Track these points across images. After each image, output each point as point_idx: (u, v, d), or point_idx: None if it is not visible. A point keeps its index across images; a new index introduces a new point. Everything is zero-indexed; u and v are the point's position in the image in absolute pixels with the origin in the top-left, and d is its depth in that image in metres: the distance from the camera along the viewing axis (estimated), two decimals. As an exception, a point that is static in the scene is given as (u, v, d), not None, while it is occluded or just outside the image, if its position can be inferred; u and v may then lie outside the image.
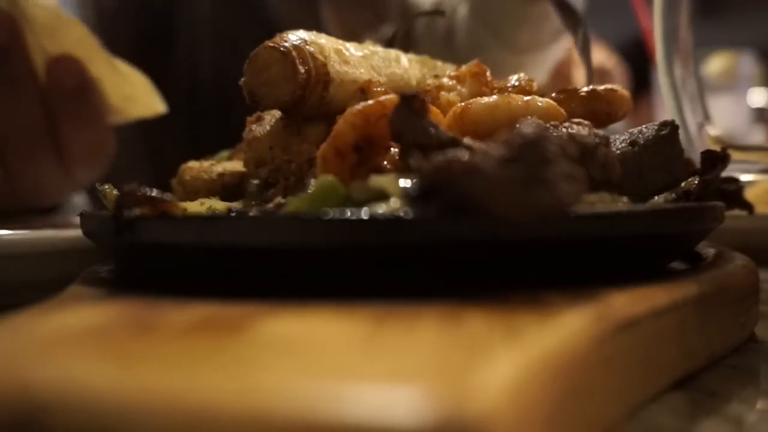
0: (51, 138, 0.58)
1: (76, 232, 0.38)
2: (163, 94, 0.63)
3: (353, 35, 0.49)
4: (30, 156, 0.59)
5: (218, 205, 0.36)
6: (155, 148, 0.93)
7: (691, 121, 0.61)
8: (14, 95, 0.57)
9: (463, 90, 0.40)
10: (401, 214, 0.27)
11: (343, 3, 0.93)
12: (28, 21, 0.56)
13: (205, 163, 0.44)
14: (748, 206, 0.36)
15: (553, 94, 0.38)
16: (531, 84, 0.40)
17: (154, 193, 0.32)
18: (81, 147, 0.59)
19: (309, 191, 0.31)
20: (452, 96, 0.39)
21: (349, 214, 0.27)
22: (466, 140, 0.29)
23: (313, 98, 0.37)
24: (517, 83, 0.40)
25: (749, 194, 0.50)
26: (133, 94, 0.61)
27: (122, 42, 0.82)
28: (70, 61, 0.57)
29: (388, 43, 0.46)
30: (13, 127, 0.57)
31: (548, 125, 0.33)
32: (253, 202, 0.37)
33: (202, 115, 0.89)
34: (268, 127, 0.39)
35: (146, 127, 0.69)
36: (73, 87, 0.57)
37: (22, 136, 0.58)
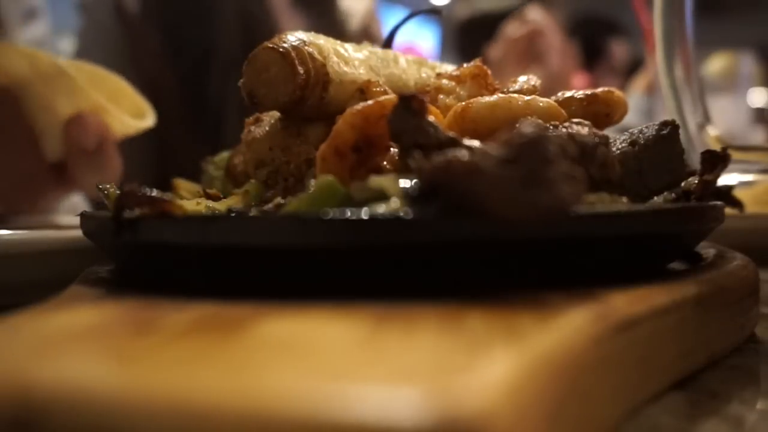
0: (55, 175, 0.59)
1: (76, 232, 0.38)
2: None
3: None
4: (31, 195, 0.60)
5: (218, 205, 0.36)
6: (161, 147, 0.93)
7: (691, 121, 0.61)
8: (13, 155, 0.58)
9: (462, 92, 0.40)
10: (401, 214, 0.27)
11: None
12: (39, 73, 0.57)
13: None
14: (738, 204, 0.36)
15: (553, 98, 0.38)
16: (535, 88, 0.40)
17: (154, 193, 0.32)
18: (90, 180, 0.60)
19: (309, 191, 0.31)
20: (450, 100, 0.39)
21: (349, 214, 0.27)
22: (466, 140, 0.29)
23: (313, 99, 0.37)
24: (518, 87, 0.40)
25: (749, 194, 0.50)
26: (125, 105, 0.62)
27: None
28: (88, 121, 0.58)
29: (385, 44, 0.46)
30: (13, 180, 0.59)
31: (548, 125, 0.33)
32: (253, 203, 0.37)
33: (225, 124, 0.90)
34: (267, 128, 0.39)
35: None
36: (93, 144, 0.58)
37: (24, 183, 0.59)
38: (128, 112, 0.62)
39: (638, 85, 2.10)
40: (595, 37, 2.62)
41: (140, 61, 0.92)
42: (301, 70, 0.36)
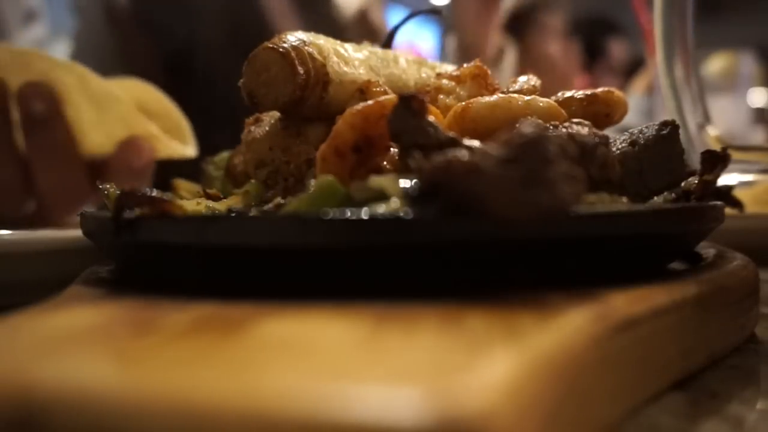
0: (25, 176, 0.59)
1: (76, 232, 0.38)
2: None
3: None
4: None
5: (218, 205, 0.36)
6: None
7: (691, 121, 0.61)
8: (61, 163, 0.58)
9: (462, 92, 0.40)
10: (401, 214, 0.27)
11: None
12: (86, 93, 0.57)
13: None
14: (738, 204, 0.36)
15: (553, 98, 0.38)
16: (535, 88, 0.40)
17: (154, 193, 0.32)
18: (52, 183, 0.59)
19: (309, 191, 0.31)
20: (450, 100, 0.39)
21: (349, 214, 0.27)
22: (466, 140, 0.29)
23: (313, 99, 0.37)
24: (518, 87, 0.40)
25: (749, 194, 0.50)
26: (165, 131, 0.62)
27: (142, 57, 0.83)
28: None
29: (385, 44, 0.46)
30: None
31: (548, 125, 0.33)
32: (253, 203, 0.37)
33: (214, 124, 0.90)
34: (267, 128, 0.39)
35: None
36: (42, 112, 0.57)
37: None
38: (168, 130, 0.63)
39: (638, 86, 2.10)
40: (595, 37, 2.61)
41: (132, 63, 0.92)
42: (301, 70, 0.36)
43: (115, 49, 0.96)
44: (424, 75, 0.43)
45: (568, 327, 0.23)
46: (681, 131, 0.38)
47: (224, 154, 0.47)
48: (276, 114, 0.40)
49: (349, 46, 0.40)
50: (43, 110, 0.56)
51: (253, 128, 0.40)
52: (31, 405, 0.17)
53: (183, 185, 0.44)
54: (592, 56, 2.52)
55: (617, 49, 2.76)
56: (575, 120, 0.34)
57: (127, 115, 0.58)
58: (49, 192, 0.59)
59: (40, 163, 0.58)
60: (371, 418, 0.15)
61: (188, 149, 0.64)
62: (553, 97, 0.38)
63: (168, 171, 0.45)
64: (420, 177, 0.27)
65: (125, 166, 0.59)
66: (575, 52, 1.89)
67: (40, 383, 0.17)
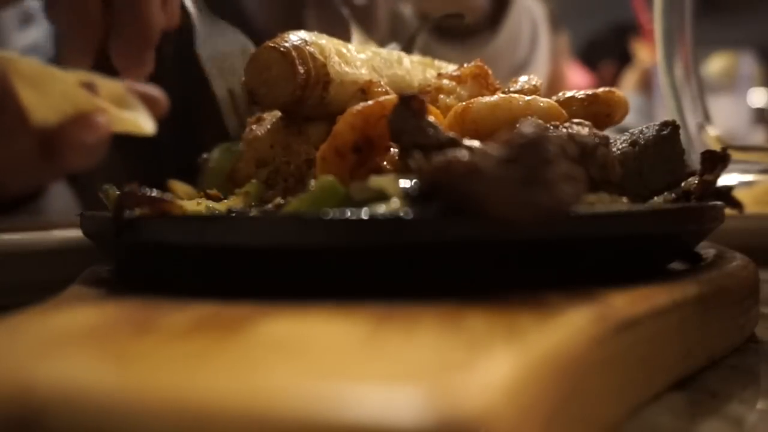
0: None
1: (76, 232, 0.38)
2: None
3: None
4: None
5: (218, 205, 0.36)
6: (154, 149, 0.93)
7: (691, 121, 0.61)
8: (8, 144, 0.60)
9: (463, 92, 0.40)
10: (401, 214, 0.27)
11: (326, 13, 0.93)
12: (19, 75, 0.59)
13: None
14: (738, 204, 0.36)
15: (553, 98, 0.38)
16: (535, 88, 0.40)
17: (154, 193, 0.32)
18: (78, 166, 0.62)
19: (309, 192, 0.31)
20: (450, 100, 0.39)
21: (349, 214, 0.27)
22: (466, 140, 0.29)
23: (313, 98, 0.37)
24: (519, 87, 0.40)
25: (749, 194, 0.50)
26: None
27: None
28: (94, 122, 0.60)
29: (404, 49, 0.46)
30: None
31: (548, 125, 0.33)
32: (253, 203, 0.37)
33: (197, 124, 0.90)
34: (268, 126, 0.39)
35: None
36: (95, 143, 0.60)
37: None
38: (119, 105, 0.64)
39: (629, 82, 2.09)
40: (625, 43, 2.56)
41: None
42: (301, 69, 0.36)
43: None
44: (428, 76, 0.43)
45: (568, 327, 0.23)
46: (681, 131, 0.38)
47: (225, 145, 0.47)
48: (278, 113, 0.40)
49: (352, 46, 0.40)
50: None
51: (254, 127, 0.40)
52: (31, 405, 0.17)
53: (178, 187, 0.44)
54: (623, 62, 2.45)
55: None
56: (576, 120, 0.34)
57: (69, 90, 0.60)
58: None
59: None
60: (371, 417, 0.15)
61: (144, 120, 0.65)
62: (554, 97, 0.38)
63: (164, 170, 0.45)
64: (420, 177, 0.27)
65: (78, 142, 0.61)
66: (566, 48, 1.88)
67: (40, 383, 0.17)
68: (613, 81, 2.26)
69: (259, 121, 0.41)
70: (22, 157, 0.61)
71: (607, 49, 2.82)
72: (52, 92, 0.60)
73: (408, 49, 0.47)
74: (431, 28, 0.81)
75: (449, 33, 0.91)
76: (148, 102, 0.67)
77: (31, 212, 0.71)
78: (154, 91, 0.68)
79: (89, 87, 0.62)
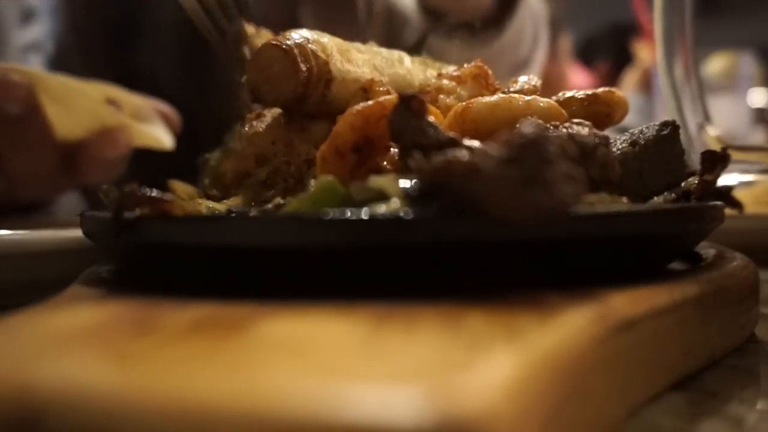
0: None
1: (76, 232, 0.38)
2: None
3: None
4: None
5: (218, 205, 0.36)
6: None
7: (691, 121, 0.61)
8: (32, 157, 0.61)
9: (463, 92, 0.40)
10: (401, 214, 0.27)
11: (322, 7, 0.92)
12: (46, 91, 0.60)
13: None
14: (738, 205, 0.36)
15: (553, 98, 0.38)
16: (535, 88, 0.40)
17: (154, 193, 0.32)
18: (19, 169, 0.62)
19: (309, 192, 0.31)
20: (450, 100, 0.39)
21: (349, 214, 0.27)
22: (466, 140, 0.29)
23: (315, 96, 0.37)
24: (519, 87, 0.40)
25: (749, 194, 0.50)
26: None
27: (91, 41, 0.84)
28: (117, 138, 0.62)
29: (414, 48, 0.46)
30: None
31: (548, 125, 0.33)
32: (253, 203, 0.37)
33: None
34: (269, 121, 0.39)
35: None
36: (117, 158, 0.62)
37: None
38: (140, 120, 0.66)
39: (629, 82, 2.09)
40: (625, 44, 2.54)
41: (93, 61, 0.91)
42: (303, 67, 0.36)
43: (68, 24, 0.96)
44: (429, 75, 0.43)
45: (568, 327, 0.23)
46: (681, 131, 0.38)
47: (218, 153, 0.47)
48: (278, 110, 0.40)
49: (353, 45, 0.40)
50: (19, 109, 0.58)
51: (255, 123, 0.40)
52: (31, 405, 0.17)
53: (179, 186, 0.44)
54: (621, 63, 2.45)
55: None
56: (576, 120, 0.34)
57: (94, 107, 0.61)
58: (20, 177, 0.62)
59: (13, 152, 0.61)
60: (371, 417, 0.15)
61: (163, 135, 0.66)
62: (554, 97, 0.38)
63: (163, 171, 0.45)
64: (420, 177, 0.27)
65: (100, 157, 0.62)
66: (567, 48, 1.89)
67: (40, 383, 0.17)
68: (608, 79, 2.26)
69: (258, 117, 0.41)
70: (45, 169, 0.62)
71: (604, 48, 2.83)
72: (77, 108, 0.61)
73: (418, 48, 0.47)
74: (442, 28, 0.81)
75: (455, 30, 0.91)
76: (163, 118, 0.69)
77: (41, 214, 0.72)
78: (167, 108, 0.70)
79: (113, 103, 0.64)
